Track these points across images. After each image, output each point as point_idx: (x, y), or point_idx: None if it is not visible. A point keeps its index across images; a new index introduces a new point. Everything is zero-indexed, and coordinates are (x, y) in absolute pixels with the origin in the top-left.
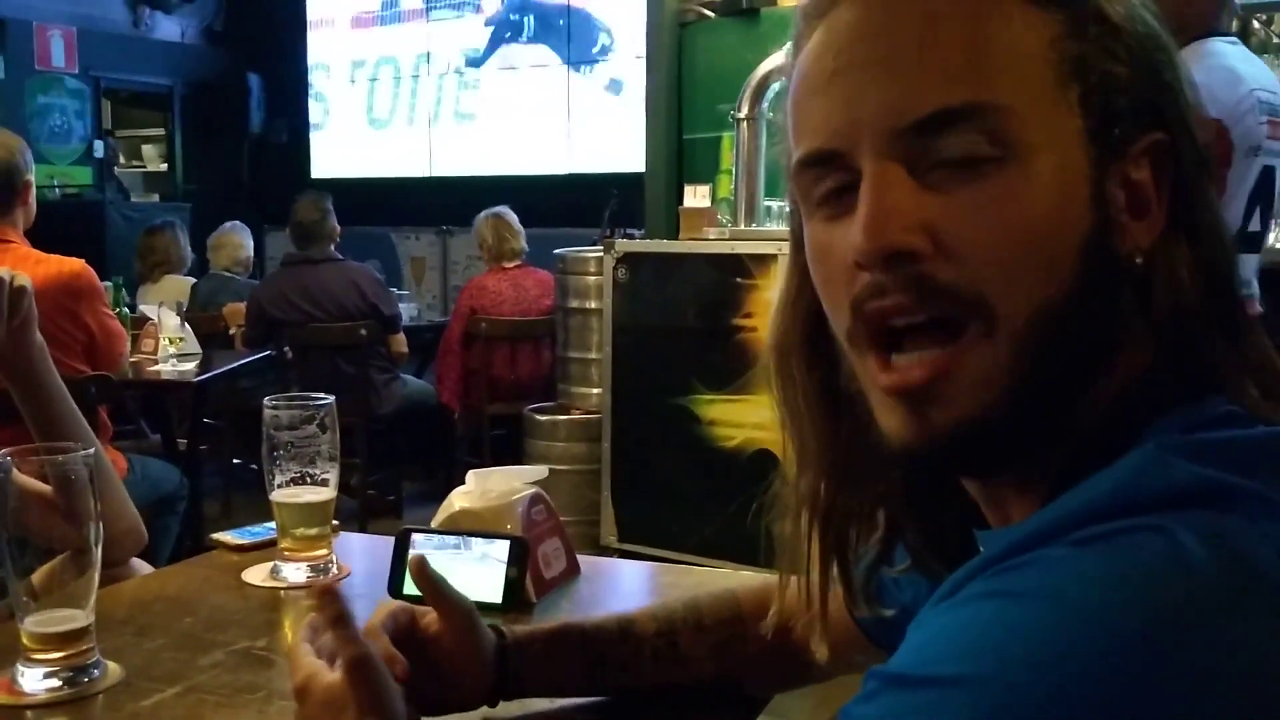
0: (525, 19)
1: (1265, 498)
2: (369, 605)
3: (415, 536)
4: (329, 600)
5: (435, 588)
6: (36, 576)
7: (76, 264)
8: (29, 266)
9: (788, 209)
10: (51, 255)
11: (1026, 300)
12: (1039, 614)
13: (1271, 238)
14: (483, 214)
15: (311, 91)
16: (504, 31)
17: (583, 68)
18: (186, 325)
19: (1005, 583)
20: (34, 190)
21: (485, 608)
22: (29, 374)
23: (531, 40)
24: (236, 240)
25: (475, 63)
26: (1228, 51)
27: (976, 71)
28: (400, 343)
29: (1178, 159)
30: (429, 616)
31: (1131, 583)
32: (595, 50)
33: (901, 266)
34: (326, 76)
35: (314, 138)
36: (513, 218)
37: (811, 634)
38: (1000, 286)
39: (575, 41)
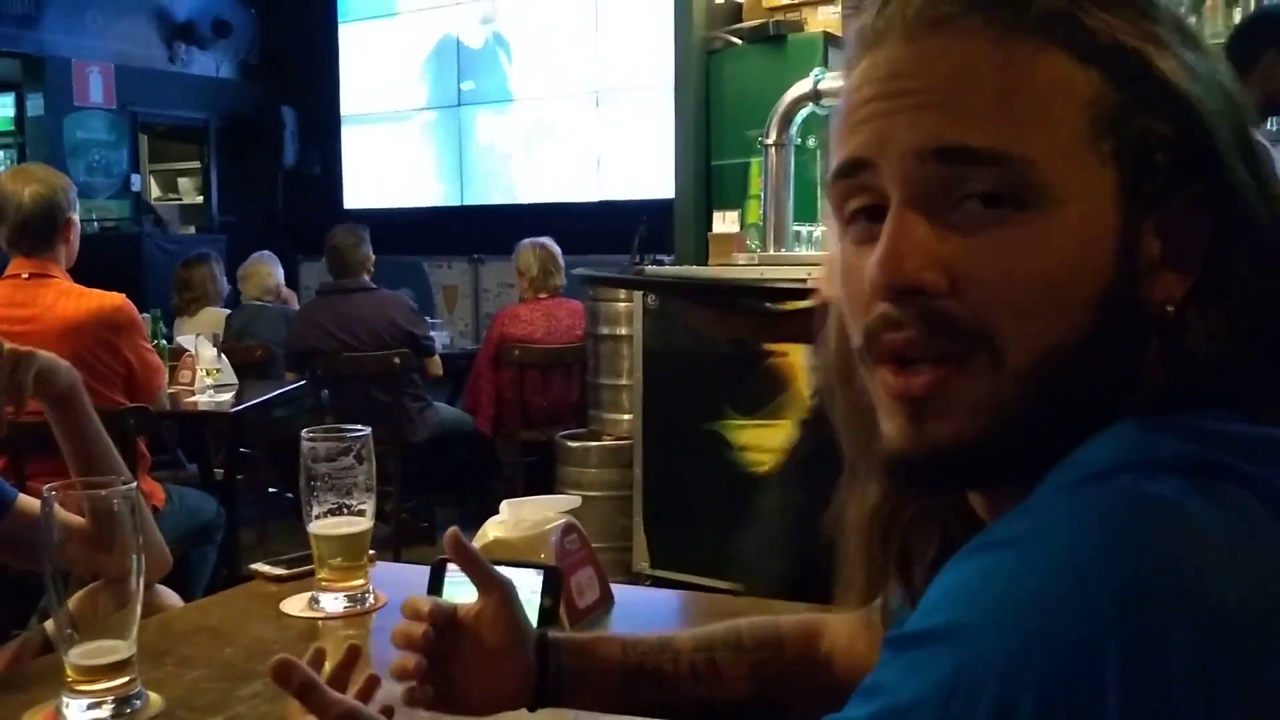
0: (551, 48)
1: (1259, 479)
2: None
3: (450, 566)
4: (286, 675)
5: (473, 558)
6: (72, 602)
7: (117, 298)
8: (71, 300)
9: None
10: (93, 290)
11: (1034, 343)
12: (1028, 559)
13: None
14: (527, 242)
15: (344, 123)
16: (531, 59)
17: (612, 96)
18: (223, 356)
19: (998, 532)
20: (77, 229)
21: None
22: (65, 403)
23: (560, 69)
24: (265, 270)
25: (506, 93)
26: None
27: (1005, 120)
28: (436, 365)
29: (1220, 213)
30: (467, 608)
31: (1123, 522)
32: (624, 78)
33: (914, 301)
34: (358, 108)
35: (346, 169)
36: (557, 251)
37: (877, 633)
38: (1008, 327)
39: (604, 70)
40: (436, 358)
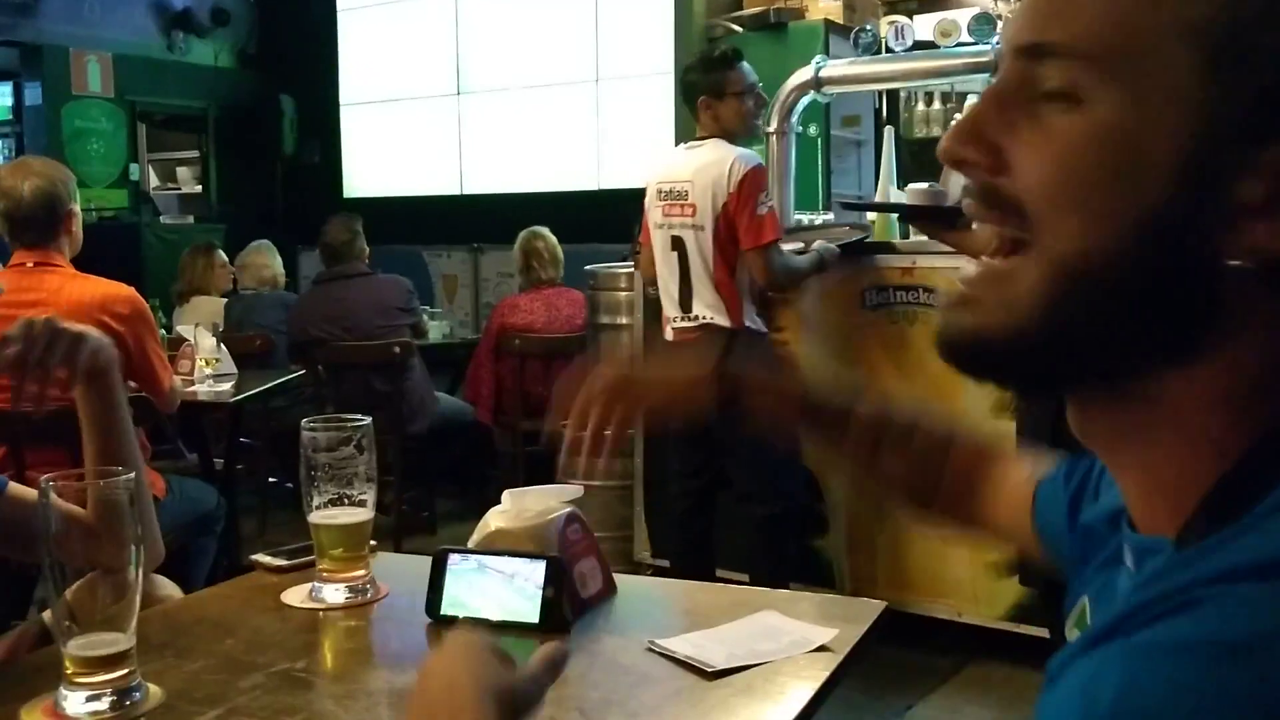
0: (551, 35)
1: None
2: (406, 626)
3: (452, 556)
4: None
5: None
6: (70, 593)
7: (126, 290)
8: (77, 285)
9: None
10: (101, 278)
11: (1067, 239)
12: (1210, 670)
13: None
14: (523, 233)
15: (343, 112)
16: (531, 47)
17: (612, 83)
18: (222, 346)
19: (1170, 631)
20: (79, 219)
21: (521, 628)
22: (104, 380)
23: (560, 56)
24: (262, 260)
25: (506, 81)
26: None
27: (1093, 18)
28: (426, 325)
29: None
30: None
31: None
32: (624, 66)
33: (972, 173)
34: (357, 96)
35: (346, 157)
36: (550, 242)
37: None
38: (1047, 214)
39: (604, 57)
40: (424, 318)
